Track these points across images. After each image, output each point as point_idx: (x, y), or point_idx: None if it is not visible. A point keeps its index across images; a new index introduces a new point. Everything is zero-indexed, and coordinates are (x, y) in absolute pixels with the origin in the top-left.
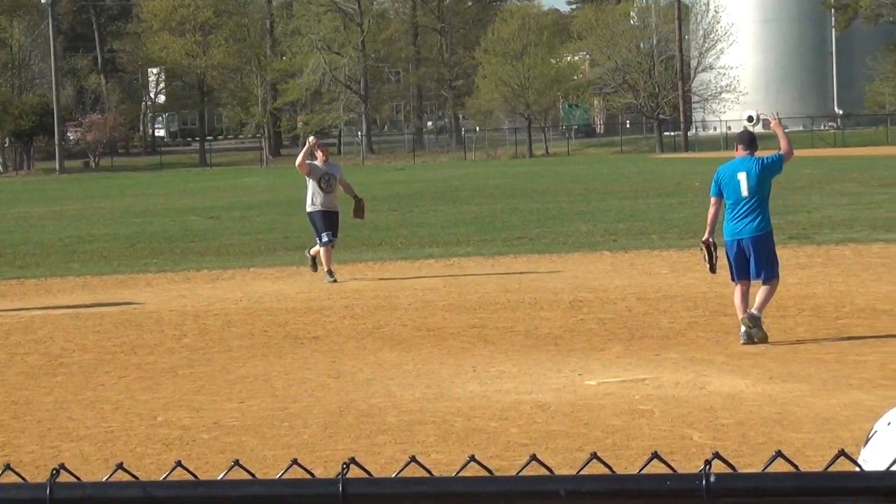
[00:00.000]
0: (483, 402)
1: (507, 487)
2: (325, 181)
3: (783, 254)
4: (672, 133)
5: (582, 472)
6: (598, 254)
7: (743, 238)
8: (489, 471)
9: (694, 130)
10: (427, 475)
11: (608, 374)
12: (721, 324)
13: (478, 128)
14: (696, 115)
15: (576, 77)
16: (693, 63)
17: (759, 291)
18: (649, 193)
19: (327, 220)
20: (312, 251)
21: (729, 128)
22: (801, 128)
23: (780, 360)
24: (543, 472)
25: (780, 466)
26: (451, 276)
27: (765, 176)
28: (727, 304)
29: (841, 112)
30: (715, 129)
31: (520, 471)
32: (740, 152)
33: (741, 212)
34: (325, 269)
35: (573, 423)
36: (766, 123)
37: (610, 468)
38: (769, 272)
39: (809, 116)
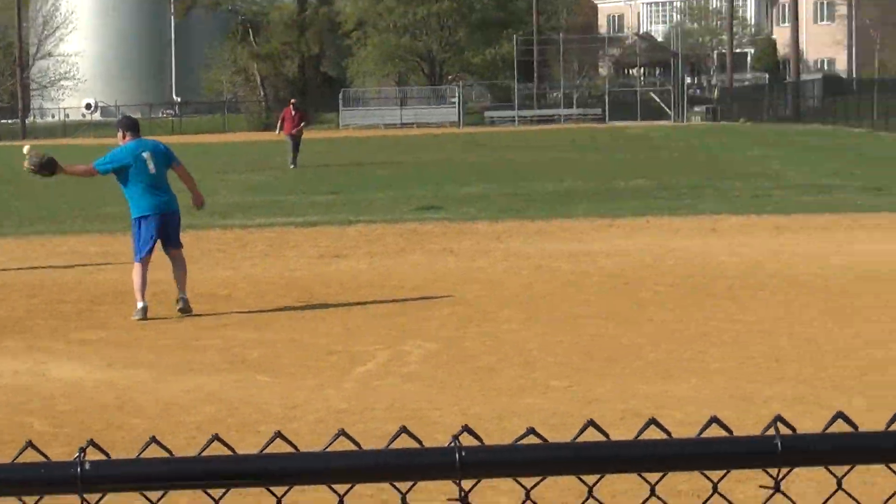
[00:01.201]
0: None
1: None
2: None
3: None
4: (10, 121)
5: None
6: None
7: (167, 212)
8: None
9: (32, 118)
10: None
11: None
12: (60, 311)
13: None
14: (35, 103)
15: None
16: (32, 50)
17: (176, 275)
18: None
19: None
20: None
21: (67, 115)
22: (139, 115)
23: (123, 347)
24: None
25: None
26: None
27: (163, 159)
28: (66, 292)
29: (179, 99)
30: (53, 116)
31: None
32: (129, 137)
33: (157, 188)
34: None
35: None
36: (103, 111)
37: None
38: (179, 241)
39: (148, 104)
